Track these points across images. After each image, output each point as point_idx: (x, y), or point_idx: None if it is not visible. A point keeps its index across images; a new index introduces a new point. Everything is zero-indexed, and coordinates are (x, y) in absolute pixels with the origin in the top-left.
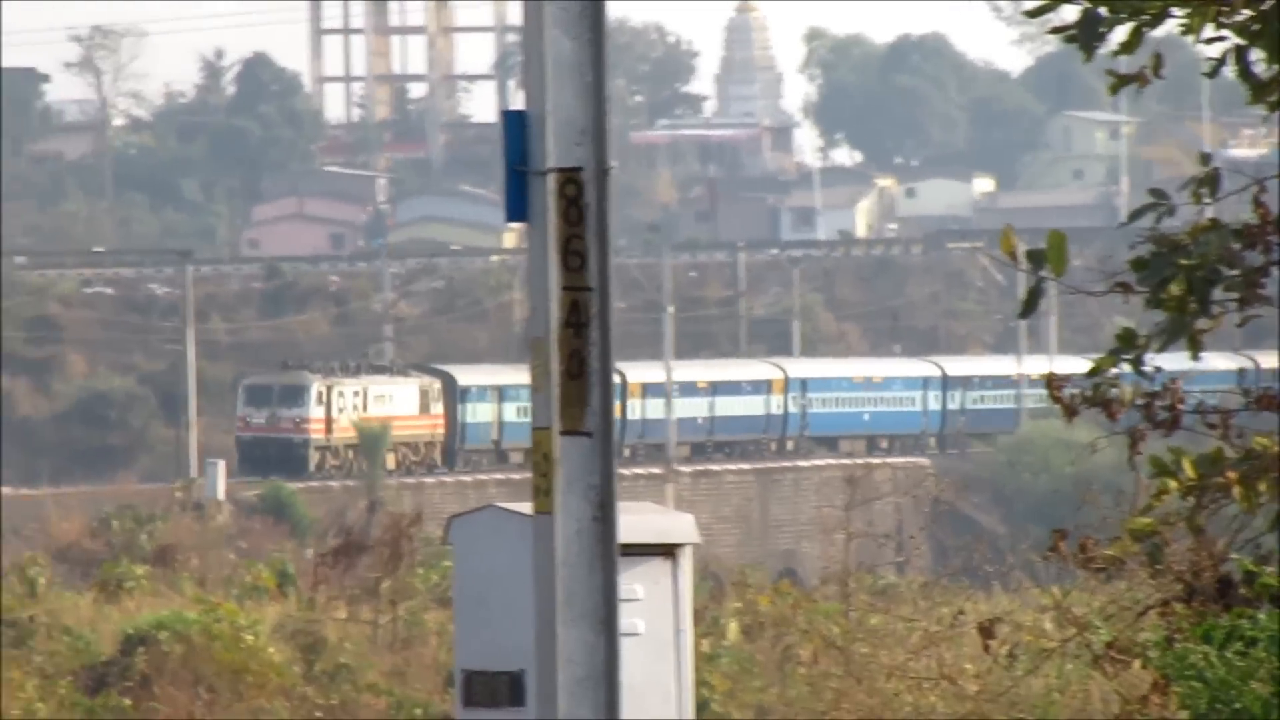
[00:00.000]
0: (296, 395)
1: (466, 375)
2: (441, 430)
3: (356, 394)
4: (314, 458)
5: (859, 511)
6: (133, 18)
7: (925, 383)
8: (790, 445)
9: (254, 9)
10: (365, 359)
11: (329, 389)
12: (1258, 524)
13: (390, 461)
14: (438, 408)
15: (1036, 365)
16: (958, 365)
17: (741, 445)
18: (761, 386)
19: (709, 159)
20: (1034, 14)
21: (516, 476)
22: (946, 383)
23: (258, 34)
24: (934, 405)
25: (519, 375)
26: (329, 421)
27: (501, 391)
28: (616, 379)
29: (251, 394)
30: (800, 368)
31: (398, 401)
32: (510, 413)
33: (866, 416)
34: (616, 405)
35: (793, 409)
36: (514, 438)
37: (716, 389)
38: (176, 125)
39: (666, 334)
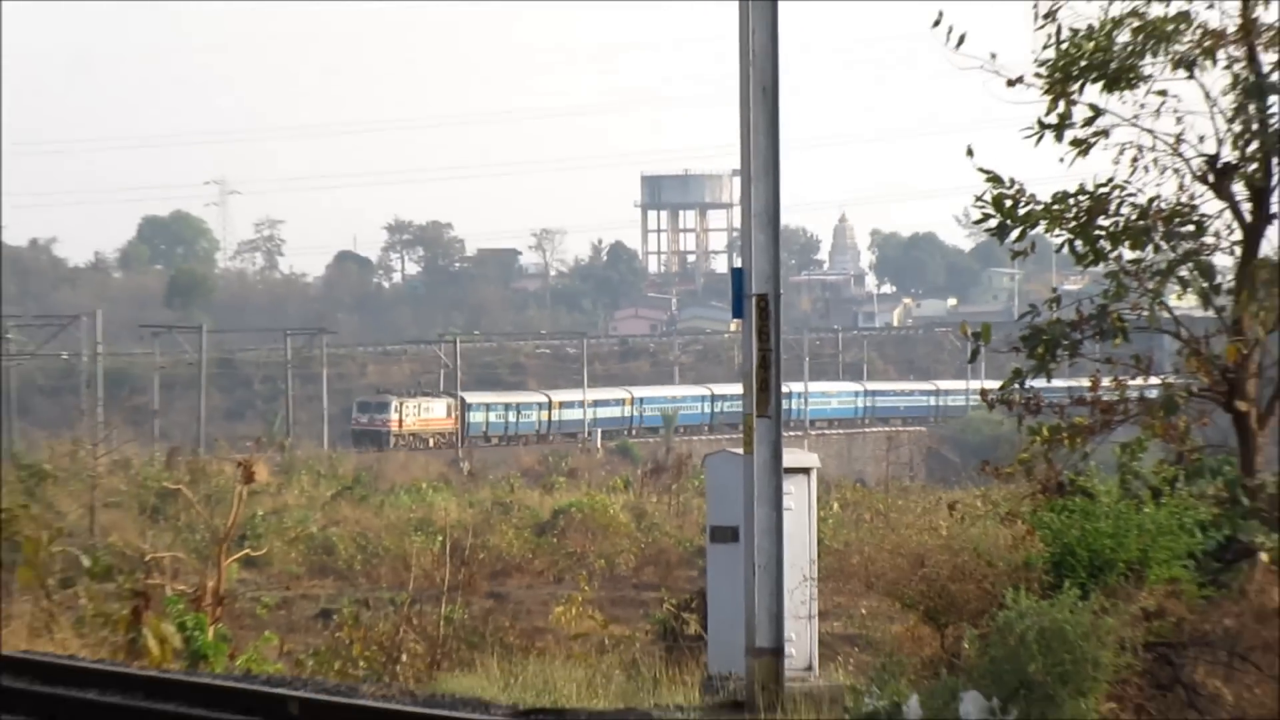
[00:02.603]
0: (383, 408)
1: (472, 397)
2: (457, 426)
3: (414, 407)
4: (392, 440)
5: (893, 452)
6: (560, 225)
7: (928, 393)
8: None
9: (617, 222)
10: (419, 386)
11: (401, 404)
12: (1075, 456)
13: (431, 442)
14: (456, 414)
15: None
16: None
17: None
18: (847, 394)
19: (825, 290)
20: (977, 223)
21: (735, 436)
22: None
23: (619, 233)
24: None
25: (496, 397)
26: (400, 421)
27: (488, 406)
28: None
29: (360, 406)
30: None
31: (435, 410)
32: (492, 417)
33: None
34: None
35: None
36: (494, 430)
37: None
38: (579, 274)
39: (805, 369)
